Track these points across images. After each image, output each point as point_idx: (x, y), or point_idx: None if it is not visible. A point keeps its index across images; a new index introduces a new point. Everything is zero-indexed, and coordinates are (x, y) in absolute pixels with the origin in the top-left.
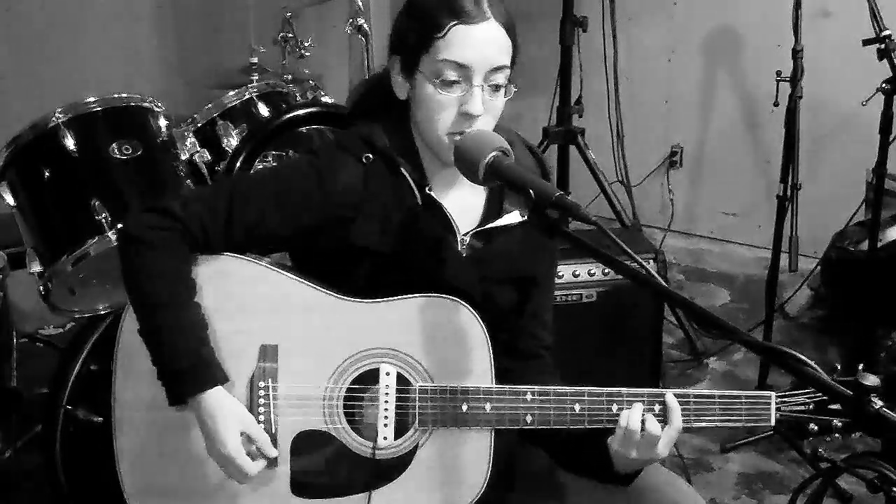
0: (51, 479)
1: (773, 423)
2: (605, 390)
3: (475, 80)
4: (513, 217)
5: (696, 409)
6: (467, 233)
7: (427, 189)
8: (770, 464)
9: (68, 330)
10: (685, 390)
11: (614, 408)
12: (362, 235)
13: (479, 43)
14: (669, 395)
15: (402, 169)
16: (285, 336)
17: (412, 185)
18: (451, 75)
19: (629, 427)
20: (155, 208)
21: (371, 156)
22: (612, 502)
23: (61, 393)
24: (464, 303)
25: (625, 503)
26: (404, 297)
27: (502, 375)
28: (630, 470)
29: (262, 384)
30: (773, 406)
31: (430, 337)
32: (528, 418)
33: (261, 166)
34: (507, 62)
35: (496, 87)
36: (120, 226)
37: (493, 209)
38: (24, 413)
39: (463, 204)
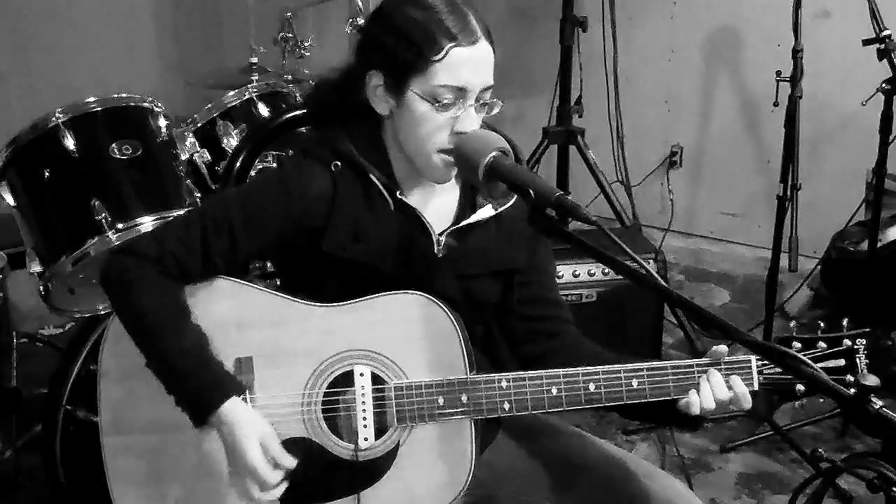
0: (51, 479)
1: (755, 386)
2: (581, 370)
3: (469, 100)
4: (486, 211)
5: (676, 381)
6: (442, 232)
7: (399, 193)
8: (770, 464)
9: (68, 330)
10: (662, 363)
11: (591, 387)
12: (334, 245)
13: (475, 65)
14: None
15: (371, 176)
16: (258, 347)
17: (383, 191)
18: (448, 98)
19: (720, 399)
20: (129, 250)
21: (339, 163)
22: (608, 502)
23: (61, 393)
24: (429, 296)
25: None
26: (371, 297)
27: (537, 362)
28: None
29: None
30: (755, 369)
31: (399, 334)
32: (506, 406)
33: (261, 166)
34: (493, 80)
35: (484, 105)
36: (106, 248)
37: (467, 206)
38: (24, 413)
39: (436, 204)
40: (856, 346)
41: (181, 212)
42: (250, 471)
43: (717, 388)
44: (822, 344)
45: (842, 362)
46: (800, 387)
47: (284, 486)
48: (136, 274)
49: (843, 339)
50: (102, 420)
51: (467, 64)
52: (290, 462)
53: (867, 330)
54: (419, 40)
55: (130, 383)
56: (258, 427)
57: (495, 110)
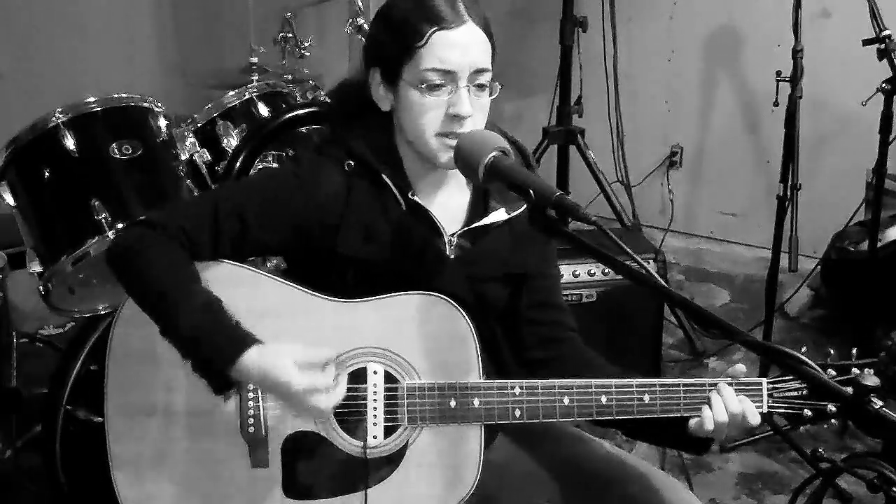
0: (51, 479)
1: (765, 409)
2: (593, 382)
3: (460, 82)
4: (499, 215)
5: (687, 399)
6: (454, 234)
7: (410, 194)
8: (770, 464)
9: (68, 330)
10: (676, 380)
11: (603, 399)
12: (347, 245)
13: (460, 47)
14: (721, 384)
15: (383, 176)
16: (271, 337)
17: (395, 191)
18: (436, 80)
19: (732, 412)
20: (137, 222)
21: (352, 163)
22: (608, 503)
23: (61, 393)
24: (447, 298)
25: None
26: (388, 295)
27: (540, 367)
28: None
29: (250, 387)
30: (766, 392)
31: (415, 334)
32: (517, 412)
33: (261, 166)
34: (489, 64)
35: (481, 87)
36: (106, 246)
37: (479, 208)
38: (24, 413)
39: (448, 205)
40: (863, 376)
41: None
42: (306, 392)
43: (728, 400)
44: (831, 371)
45: (849, 391)
46: (807, 412)
47: (345, 381)
48: (145, 242)
49: (852, 367)
50: (108, 403)
51: (451, 46)
52: (329, 353)
53: (875, 360)
54: (405, 30)
55: (139, 367)
56: (285, 354)
57: (496, 93)
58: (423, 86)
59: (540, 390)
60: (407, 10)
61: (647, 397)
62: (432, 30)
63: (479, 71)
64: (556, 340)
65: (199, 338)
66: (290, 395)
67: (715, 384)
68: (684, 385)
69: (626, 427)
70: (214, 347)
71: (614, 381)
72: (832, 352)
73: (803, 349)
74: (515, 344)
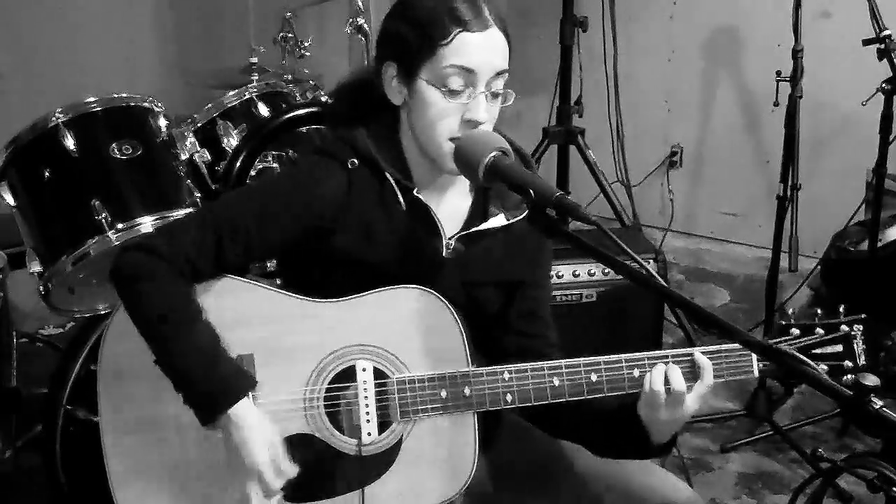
0: (51, 479)
1: (756, 373)
2: (581, 361)
3: (479, 86)
4: (497, 221)
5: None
6: (452, 236)
7: (415, 191)
8: (770, 464)
9: (68, 330)
10: (663, 351)
11: (593, 377)
12: (344, 244)
13: (484, 49)
14: (697, 354)
15: (386, 174)
16: (259, 344)
17: (395, 188)
18: (457, 82)
19: (653, 388)
20: (140, 246)
21: (356, 161)
22: (608, 501)
23: (61, 393)
24: (430, 290)
25: (622, 502)
26: (371, 292)
27: None
28: (664, 438)
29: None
30: (755, 356)
31: (401, 328)
32: (509, 397)
33: (261, 166)
34: (507, 66)
35: (495, 95)
36: (112, 252)
37: (478, 212)
38: (24, 413)
39: (449, 207)
40: (853, 332)
41: (181, 212)
42: (256, 473)
43: (673, 378)
44: (819, 330)
45: (839, 348)
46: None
47: (281, 494)
48: (149, 271)
49: (841, 325)
50: (102, 419)
51: (476, 48)
52: (293, 471)
53: (864, 316)
54: (429, 26)
55: (131, 382)
56: (267, 433)
57: (509, 101)
58: (444, 88)
59: (529, 373)
60: (431, 7)
61: (636, 371)
62: (458, 30)
63: (499, 73)
64: (539, 355)
65: (196, 380)
66: (245, 462)
67: (690, 353)
68: (673, 356)
69: (592, 444)
70: (213, 390)
71: (603, 358)
72: (819, 312)
73: (791, 311)
74: (498, 350)
